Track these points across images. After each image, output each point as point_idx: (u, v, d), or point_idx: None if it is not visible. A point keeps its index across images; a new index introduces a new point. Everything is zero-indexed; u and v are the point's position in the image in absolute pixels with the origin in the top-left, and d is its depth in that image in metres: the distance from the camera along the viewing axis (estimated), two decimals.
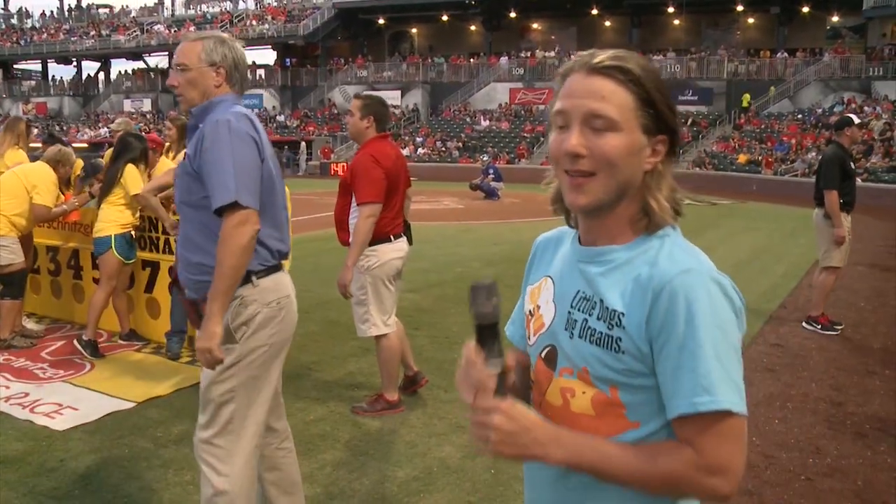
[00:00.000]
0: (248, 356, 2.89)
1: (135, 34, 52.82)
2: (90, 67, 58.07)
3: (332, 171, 35.83)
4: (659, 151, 1.37)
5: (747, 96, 37.24)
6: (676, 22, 44.00)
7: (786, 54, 39.25)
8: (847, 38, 41.47)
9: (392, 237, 4.91)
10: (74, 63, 57.73)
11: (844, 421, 5.02)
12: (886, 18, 38.14)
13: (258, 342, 2.91)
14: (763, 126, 34.92)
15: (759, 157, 31.27)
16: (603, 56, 1.35)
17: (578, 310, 1.41)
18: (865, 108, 33.27)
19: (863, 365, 6.20)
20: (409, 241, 5.17)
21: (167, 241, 6.53)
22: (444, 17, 47.34)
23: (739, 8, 41.51)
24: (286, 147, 39.77)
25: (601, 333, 1.36)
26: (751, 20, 43.45)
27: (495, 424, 1.29)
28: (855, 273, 9.85)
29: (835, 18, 41.72)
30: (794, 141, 31.69)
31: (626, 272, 1.36)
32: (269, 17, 49.89)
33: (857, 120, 7.22)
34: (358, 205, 4.74)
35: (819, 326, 7.21)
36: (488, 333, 1.35)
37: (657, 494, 1.32)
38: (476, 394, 1.33)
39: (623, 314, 1.33)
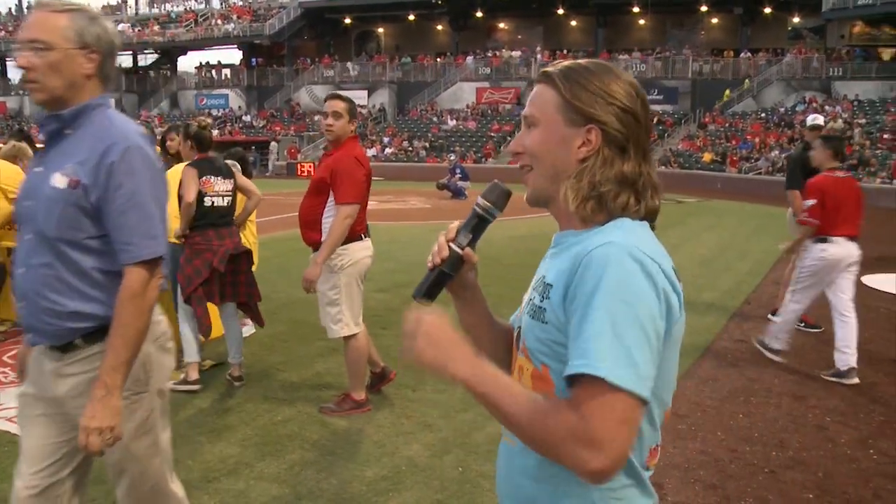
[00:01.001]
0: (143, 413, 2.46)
1: None
2: None
3: (299, 172, 35.65)
4: (590, 141, 1.45)
5: (728, 92, 37.78)
6: (642, 22, 44.39)
7: (749, 54, 39.78)
8: (807, 39, 42.15)
9: (362, 236, 4.95)
10: None
11: (806, 414, 5.10)
12: (844, 20, 38.85)
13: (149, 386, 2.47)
14: (727, 125, 35.36)
15: (725, 151, 31.73)
16: (550, 67, 1.53)
17: (535, 290, 1.50)
18: (826, 108, 33.84)
19: (824, 359, 6.30)
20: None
21: None
22: (411, 17, 47.31)
23: (703, 8, 41.98)
24: (252, 147, 39.44)
25: (535, 306, 1.45)
26: (714, 20, 43.96)
27: (425, 327, 1.40)
28: None
29: (796, 19, 42.37)
30: (757, 139, 32.13)
31: (570, 251, 1.42)
32: (235, 17, 49.51)
33: (821, 122, 7.34)
34: (338, 204, 4.74)
35: (803, 325, 7.27)
36: (476, 223, 1.57)
37: (535, 450, 1.33)
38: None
39: (551, 286, 1.41)
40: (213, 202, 5.41)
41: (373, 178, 5.07)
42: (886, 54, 38.72)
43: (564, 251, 1.45)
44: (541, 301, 1.43)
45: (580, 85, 1.46)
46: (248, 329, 6.75)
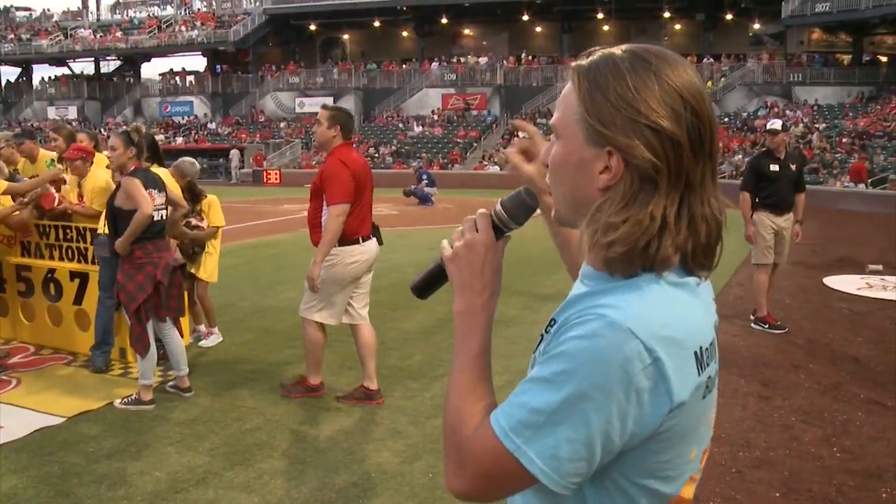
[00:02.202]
0: None
1: (58, 39, 51.36)
2: (9, 73, 56.25)
3: (265, 179, 35.41)
4: (611, 168, 1.13)
5: (709, 83, 38.19)
6: (606, 28, 44.77)
7: (711, 60, 40.31)
8: (768, 45, 42.86)
9: (361, 239, 5.22)
10: None
11: (772, 414, 5.17)
12: (803, 27, 39.61)
13: None
14: None
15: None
16: (582, 55, 1.22)
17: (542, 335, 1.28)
18: (787, 112, 34.40)
19: (788, 360, 6.40)
20: (380, 241, 5.50)
21: (37, 246, 6.45)
22: (376, 24, 47.26)
23: (666, 14, 42.46)
24: (208, 156, 38.93)
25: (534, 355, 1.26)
26: (678, 26, 44.47)
27: (470, 240, 1.28)
28: (780, 271, 10.13)
29: (756, 26, 43.06)
30: (721, 144, 32.47)
31: (585, 301, 1.15)
32: (199, 23, 49.08)
33: (778, 126, 7.48)
34: (328, 205, 5.06)
35: (766, 326, 7.40)
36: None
37: (443, 424, 1.20)
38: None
39: (542, 336, 1.22)
40: (162, 216, 5.33)
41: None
42: (843, 60, 39.55)
43: (582, 299, 1.16)
44: (535, 350, 1.24)
45: (600, 91, 1.14)
46: (216, 338, 6.70)
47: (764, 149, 7.93)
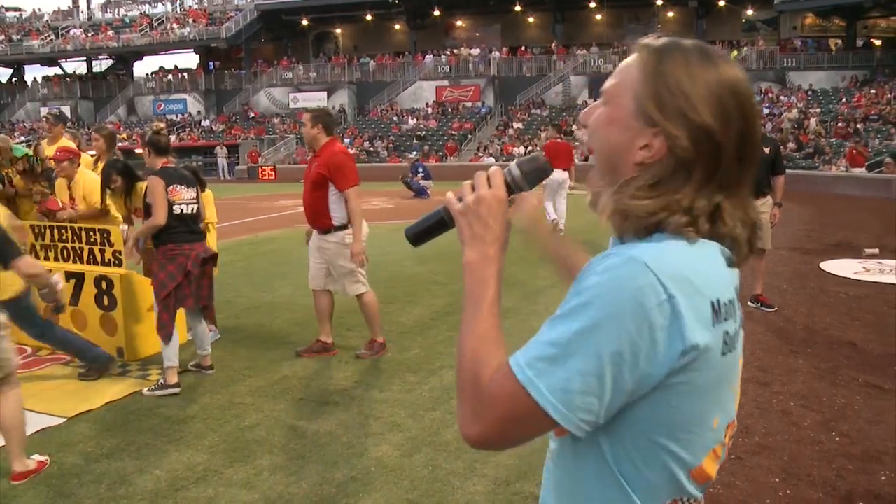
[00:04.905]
0: None
1: (49, 39, 51.18)
2: (1, 74, 55.95)
3: (261, 175, 35.35)
4: (652, 147, 1.17)
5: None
6: (598, 17, 44.73)
7: None
8: (761, 31, 42.81)
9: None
10: None
11: (771, 400, 5.18)
12: (797, 12, 39.58)
13: None
14: None
15: None
16: (654, 36, 1.26)
17: None
18: (782, 98, 34.38)
19: (787, 345, 6.41)
20: None
21: (91, 252, 6.38)
22: (368, 17, 47.14)
23: (659, 2, 42.40)
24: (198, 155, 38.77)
25: None
26: (670, 14, 44.38)
27: (482, 193, 1.28)
28: (777, 257, 10.15)
29: (749, 12, 43.00)
30: None
31: None
32: (191, 21, 48.93)
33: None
34: (345, 190, 5.90)
35: (759, 305, 7.69)
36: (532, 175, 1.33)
37: (458, 371, 1.20)
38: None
39: None
40: (181, 209, 5.56)
41: None
42: (837, 45, 39.53)
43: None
44: None
45: (663, 76, 1.17)
46: (213, 335, 6.69)
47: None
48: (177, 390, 5.41)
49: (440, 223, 1.38)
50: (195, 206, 5.67)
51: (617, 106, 1.22)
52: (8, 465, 4.10)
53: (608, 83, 1.26)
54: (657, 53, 1.20)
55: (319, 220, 6.05)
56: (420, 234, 1.41)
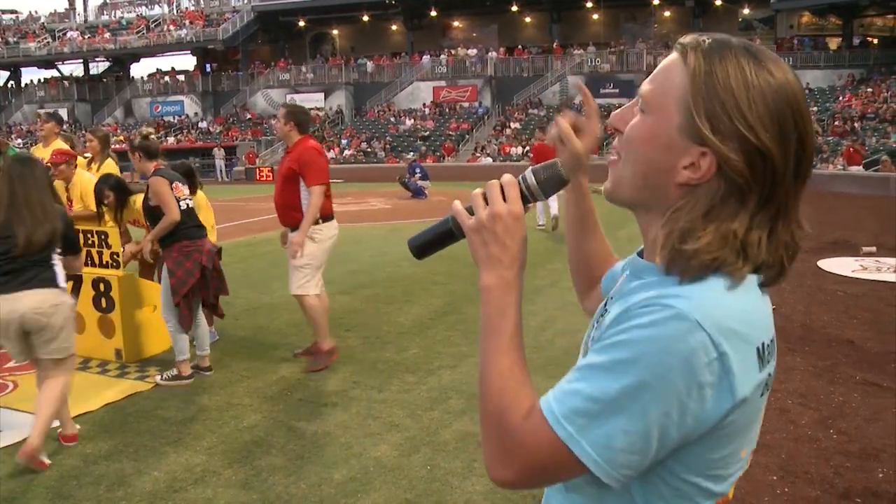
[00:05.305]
0: None
1: (46, 41, 51.12)
2: None
3: (259, 177, 35.34)
4: (699, 168, 1.07)
5: None
6: (595, 17, 44.78)
7: None
8: (758, 30, 42.87)
9: (332, 216, 6.08)
10: None
11: (769, 398, 5.17)
12: (793, 11, 39.64)
13: None
14: None
15: None
16: (699, 36, 1.12)
17: (594, 322, 1.27)
18: None
19: (784, 343, 6.40)
20: None
21: (88, 254, 6.38)
22: (365, 18, 47.16)
23: (656, 2, 42.45)
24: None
25: (586, 344, 1.23)
26: (667, 13, 44.45)
27: (498, 210, 1.15)
28: None
29: (746, 11, 43.07)
30: None
31: (642, 292, 1.10)
32: (188, 22, 48.93)
33: None
34: (311, 186, 5.78)
35: None
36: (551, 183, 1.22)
37: (480, 404, 1.12)
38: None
39: (593, 325, 1.20)
40: (187, 205, 5.72)
41: (332, 180, 6.02)
42: (833, 44, 39.60)
43: (641, 290, 1.10)
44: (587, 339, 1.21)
45: (715, 88, 1.06)
46: (211, 337, 6.68)
47: None
48: (189, 381, 5.64)
49: (447, 234, 1.25)
50: (192, 202, 5.84)
51: (660, 118, 1.11)
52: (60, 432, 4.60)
53: (647, 87, 1.14)
54: (706, 58, 1.07)
55: (290, 214, 5.96)
56: (425, 246, 1.29)
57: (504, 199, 1.16)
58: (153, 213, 5.63)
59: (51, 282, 4.35)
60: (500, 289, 1.14)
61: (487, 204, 1.17)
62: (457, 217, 1.20)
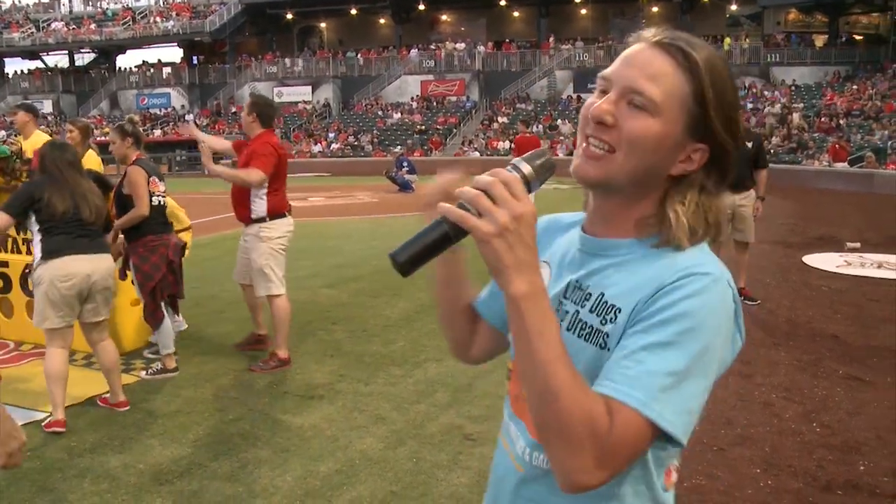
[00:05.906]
0: None
1: (30, 31, 50.66)
2: None
3: None
4: (693, 160, 1.21)
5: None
6: (584, 12, 44.80)
7: None
8: (745, 26, 43.04)
9: (286, 213, 5.89)
10: None
11: (753, 392, 5.22)
12: (780, 7, 39.81)
13: None
14: None
15: None
16: (672, 34, 1.20)
17: (571, 301, 1.29)
18: (766, 93, 34.55)
19: (769, 338, 6.45)
20: None
21: (14, 242, 6.48)
22: (353, 11, 46.99)
23: None
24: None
25: (591, 328, 1.23)
26: (655, 9, 44.47)
27: (520, 210, 1.06)
28: (760, 251, 10.21)
29: (733, 7, 43.22)
30: None
31: (638, 269, 1.21)
32: (174, 14, 48.65)
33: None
34: (250, 166, 5.62)
35: (742, 298, 7.54)
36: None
37: (541, 414, 1.10)
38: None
39: (620, 309, 1.19)
40: (159, 201, 5.64)
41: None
42: (819, 40, 39.82)
43: (627, 265, 1.23)
44: (601, 324, 1.22)
45: (723, 91, 1.20)
46: (178, 326, 6.60)
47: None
48: (175, 374, 5.63)
49: (442, 240, 1.11)
50: (164, 199, 5.76)
51: (669, 121, 1.18)
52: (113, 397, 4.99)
53: (653, 91, 1.17)
54: (710, 62, 1.19)
55: (239, 210, 5.86)
56: (415, 259, 1.12)
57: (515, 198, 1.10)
58: (123, 202, 5.54)
59: (108, 249, 4.97)
60: (536, 295, 1.09)
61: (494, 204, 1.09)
62: (459, 220, 1.07)
